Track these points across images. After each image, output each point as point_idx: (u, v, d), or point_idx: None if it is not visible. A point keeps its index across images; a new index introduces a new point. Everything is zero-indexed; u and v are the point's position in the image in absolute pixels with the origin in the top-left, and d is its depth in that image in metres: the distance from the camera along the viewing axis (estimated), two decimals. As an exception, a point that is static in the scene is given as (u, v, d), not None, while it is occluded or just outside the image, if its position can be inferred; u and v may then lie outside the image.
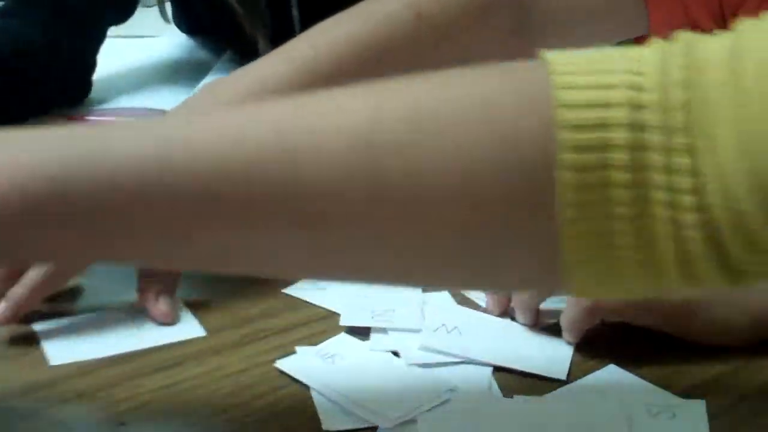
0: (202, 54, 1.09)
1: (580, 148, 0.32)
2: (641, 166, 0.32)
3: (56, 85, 0.87)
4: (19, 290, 0.52)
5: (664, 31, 0.85)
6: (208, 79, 0.95)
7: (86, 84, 0.93)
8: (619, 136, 0.32)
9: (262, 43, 0.93)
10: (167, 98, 0.92)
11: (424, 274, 0.38)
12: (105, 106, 0.92)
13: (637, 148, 0.32)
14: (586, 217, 0.33)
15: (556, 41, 0.74)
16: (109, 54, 0.96)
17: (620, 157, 0.32)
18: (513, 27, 0.71)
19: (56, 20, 0.86)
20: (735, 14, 0.76)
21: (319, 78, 0.58)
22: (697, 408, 0.44)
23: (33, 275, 0.53)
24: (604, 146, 0.32)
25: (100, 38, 0.94)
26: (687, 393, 0.45)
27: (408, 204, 0.34)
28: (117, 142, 0.35)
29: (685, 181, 0.32)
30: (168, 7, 1.05)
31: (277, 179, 0.34)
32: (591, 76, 0.33)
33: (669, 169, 0.32)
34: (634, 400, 0.45)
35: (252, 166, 0.34)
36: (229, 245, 0.36)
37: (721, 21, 0.79)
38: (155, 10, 1.03)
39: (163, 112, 0.89)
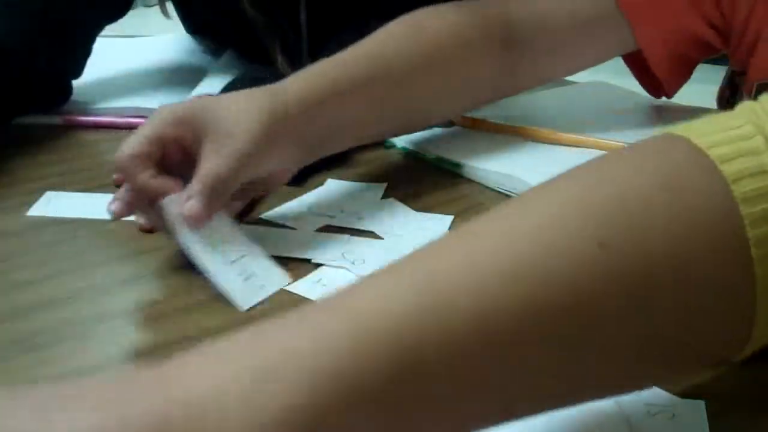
0: (202, 54, 1.09)
1: (763, 220, 0.34)
2: None
3: (29, 87, 0.85)
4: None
5: (658, 42, 0.86)
6: (208, 79, 0.95)
7: (66, 88, 0.92)
8: None
9: (274, 52, 0.93)
10: (167, 98, 0.92)
11: (650, 373, 0.38)
12: (103, 105, 0.92)
13: None
14: None
15: (546, 58, 0.78)
16: (108, 54, 0.96)
17: None
18: (504, 44, 0.76)
19: (32, 21, 0.85)
20: (732, 13, 0.76)
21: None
22: (697, 408, 0.44)
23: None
24: None
25: (84, 41, 0.92)
26: (687, 393, 0.45)
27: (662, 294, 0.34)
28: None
29: None
30: (169, 6, 1.05)
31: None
32: (736, 144, 0.35)
33: None
34: (633, 400, 0.45)
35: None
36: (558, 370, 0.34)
37: (721, 22, 0.79)
38: (155, 10, 1.03)
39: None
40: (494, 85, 0.78)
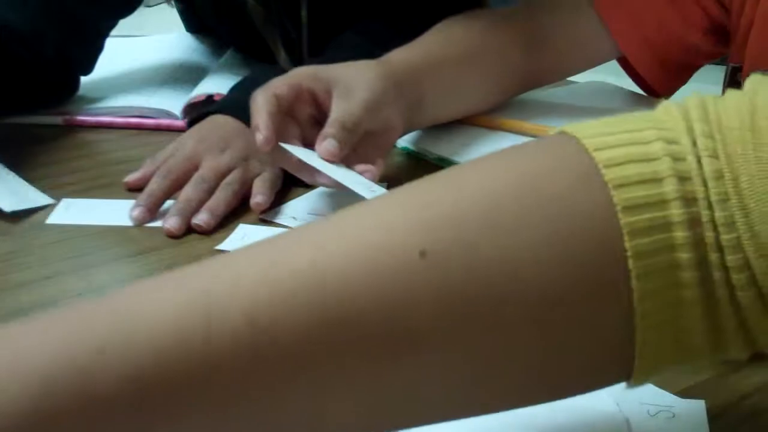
0: (202, 53, 1.09)
1: (644, 230, 0.31)
2: (699, 242, 0.31)
3: (37, 75, 0.86)
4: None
5: (641, 47, 0.89)
6: (209, 79, 0.95)
7: (71, 81, 0.92)
8: (677, 211, 0.31)
9: (276, 49, 0.93)
10: (167, 98, 0.92)
11: (503, 390, 0.34)
12: (103, 105, 0.92)
13: (693, 223, 0.31)
14: (660, 305, 0.31)
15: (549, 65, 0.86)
16: (109, 53, 0.96)
17: (681, 235, 0.31)
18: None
19: (42, 10, 0.85)
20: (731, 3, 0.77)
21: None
22: (697, 408, 0.44)
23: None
24: (667, 224, 0.31)
25: (93, 35, 0.93)
26: (687, 393, 0.45)
27: (481, 313, 0.31)
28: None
29: (732, 259, 0.31)
30: (168, 8, 1.05)
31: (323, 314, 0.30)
32: (629, 147, 0.32)
33: (719, 246, 0.31)
34: (633, 401, 0.45)
35: (290, 312, 0.30)
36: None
37: (718, 13, 0.79)
38: (155, 9, 1.04)
39: (161, 112, 0.90)
40: (521, 79, 0.86)
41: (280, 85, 0.67)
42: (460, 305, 0.30)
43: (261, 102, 0.65)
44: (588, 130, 0.33)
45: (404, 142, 0.82)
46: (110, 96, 0.94)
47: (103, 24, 0.94)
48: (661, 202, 0.31)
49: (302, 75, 0.69)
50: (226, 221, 0.67)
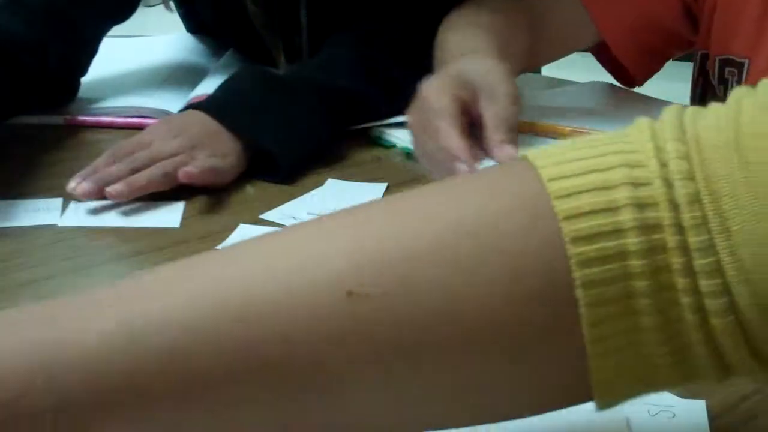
0: (202, 54, 1.09)
1: (594, 261, 0.30)
2: (660, 269, 0.30)
3: (40, 83, 0.86)
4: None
5: (620, 30, 0.94)
6: (209, 79, 0.95)
7: (73, 85, 0.92)
8: (632, 240, 0.30)
9: (277, 52, 0.93)
10: (167, 98, 0.92)
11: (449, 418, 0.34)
12: (103, 105, 0.92)
13: (652, 251, 0.30)
14: (613, 332, 0.30)
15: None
16: (108, 54, 0.96)
17: (637, 263, 0.30)
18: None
19: (44, 19, 0.85)
20: None
21: None
22: (697, 408, 0.44)
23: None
24: (620, 254, 0.30)
25: (92, 40, 0.93)
26: (687, 392, 0.45)
27: (420, 351, 0.30)
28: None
29: (708, 284, 0.30)
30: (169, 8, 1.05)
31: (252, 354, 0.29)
32: (587, 176, 0.31)
33: (690, 271, 0.30)
34: (633, 400, 0.44)
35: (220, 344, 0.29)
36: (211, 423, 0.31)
37: (683, 9, 0.81)
38: (155, 10, 1.03)
39: (161, 112, 0.90)
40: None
41: (447, 102, 0.68)
42: (390, 345, 0.30)
43: (447, 128, 0.66)
44: (549, 158, 0.32)
45: (404, 142, 0.82)
46: (110, 96, 0.94)
47: (100, 29, 0.94)
48: (615, 232, 0.30)
49: (451, 85, 0.70)
50: (226, 221, 0.67)
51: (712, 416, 0.43)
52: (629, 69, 0.87)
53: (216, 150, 0.74)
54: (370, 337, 0.30)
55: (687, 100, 0.91)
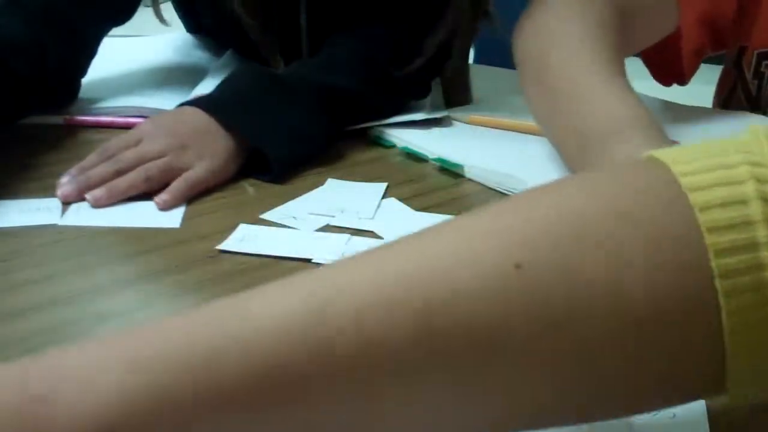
0: (202, 54, 1.09)
1: (731, 251, 0.32)
2: None
3: (40, 86, 0.85)
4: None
5: (695, 26, 0.88)
6: (208, 79, 0.95)
7: (73, 88, 0.92)
8: (762, 233, 0.32)
9: (274, 60, 0.93)
10: (167, 98, 0.92)
11: (589, 405, 0.35)
12: (103, 105, 0.92)
13: None
14: (749, 323, 0.32)
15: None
16: (108, 54, 0.96)
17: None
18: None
19: (44, 21, 0.85)
20: None
21: None
22: (697, 408, 0.44)
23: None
24: (753, 245, 0.32)
25: (92, 42, 0.92)
26: (687, 393, 0.45)
27: (569, 328, 0.32)
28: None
29: None
30: (168, 7, 1.05)
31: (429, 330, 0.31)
32: (716, 172, 0.33)
33: None
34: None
35: (389, 329, 0.31)
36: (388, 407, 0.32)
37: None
38: (155, 9, 1.03)
39: (162, 112, 0.89)
40: None
41: None
42: (550, 319, 0.32)
43: None
44: (675, 156, 0.34)
45: (404, 142, 0.82)
46: (110, 96, 0.94)
47: (100, 31, 0.94)
48: (746, 224, 0.32)
49: None
50: (226, 221, 0.67)
51: (712, 416, 0.43)
52: (685, 65, 0.84)
53: (205, 150, 0.74)
54: (536, 308, 0.31)
55: (705, 102, 0.91)
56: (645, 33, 0.81)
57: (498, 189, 0.73)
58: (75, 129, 0.89)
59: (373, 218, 0.67)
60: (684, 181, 0.33)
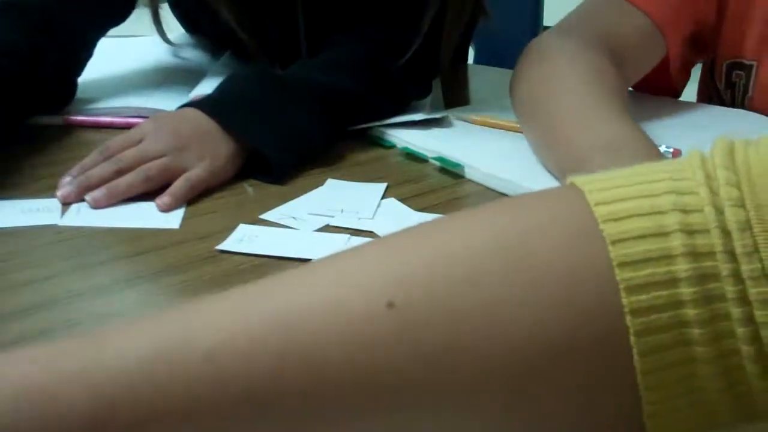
0: (201, 54, 1.09)
1: (644, 287, 0.29)
2: (713, 297, 0.29)
3: (37, 88, 0.85)
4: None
5: (679, 47, 0.90)
6: (208, 79, 0.95)
7: (70, 89, 0.92)
8: (682, 267, 0.29)
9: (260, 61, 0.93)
10: (165, 98, 0.92)
11: None
12: (102, 105, 0.92)
13: (704, 278, 0.29)
14: (665, 363, 0.30)
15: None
16: (107, 54, 0.96)
17: (689, 291, 0.29)
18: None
19: (41, 22, 0.85)
20: None
21: None
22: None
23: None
24: (672, 281, 0.29)
25: (88, 44, 0.93)
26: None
27: (450, 368, 0.30)
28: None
29: (763, 314, 0.29)
30: (165, 12, 1.05)
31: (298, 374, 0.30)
32: (636, 200, 0.30)
33: (745, 301, 0.29)
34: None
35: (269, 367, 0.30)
36: None
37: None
38: (155, 10, 1.03)
39: (161, 112, 0.90)
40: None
41: None
42: (426, 357, 0.30)
43: None
44: (596, 183, 0.32)
45: (404, 142, 0.82)
46: (110, 96, 0.94)
47: (97, 33, 0.94)
48: (665, 257, 0.29)
49: None
50: (226, 221, 0.67)
51: (712, 416, 0.43)
52: (675, 82, 0.87)
53: (205, 151, 0.74)
54: (411, 349, 0.30)
55: (692, 99, 0.92)
56: (636, 68, 0.83)
57: (498, 190, 0.73)
58: (74, 129, 0.89)
59: (372, 218, 0.67)
60: (599, 211, 0.30)
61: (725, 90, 0.86)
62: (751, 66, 0.82)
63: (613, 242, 0.30)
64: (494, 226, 0.32)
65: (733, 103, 0.86)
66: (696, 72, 0.93)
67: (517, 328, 0.30)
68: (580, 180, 0.32)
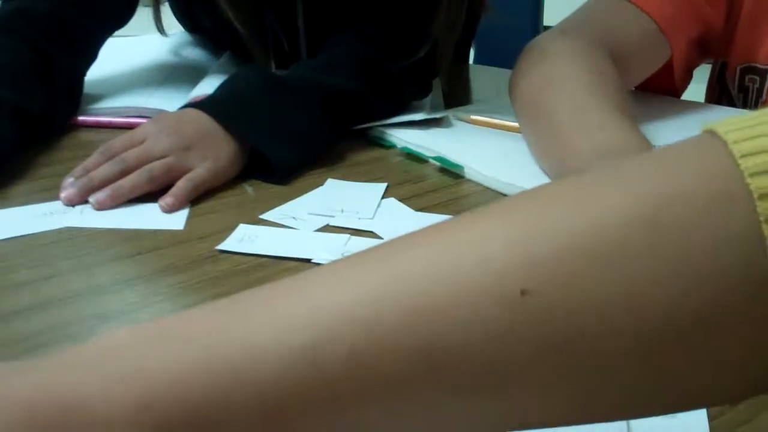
0: (202, 54, 1.09)
1: None
2: None
3: (47, 96, 0.85)
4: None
5: (684, 49, 0.90)
6: (208, 79, 0.95)
7: (78, 94, 0.92)
8: None
9: (261, 61, 0.93)
10: (167, 98, 0.92)
11: (598, 415, 0.32)
12: (102, 105, 0.92)
13: None
14: None
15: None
16: (108, 54, 0.96)
17: None
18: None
19: (48, 29, 0.86)
20: None
21: None
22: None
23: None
24: None
25: (94, 48, 0.93)
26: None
27: (587, 351, 0.29)
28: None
29: None
30: (165, 12, 1.05)
31: (414, 348, 0.29)
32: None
33: None
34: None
35: (383, 341, 0.29)
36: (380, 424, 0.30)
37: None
38: (155, 9, 1.03)
39: (161, 112, 0.90)
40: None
41: None
42: (563, 344, 0.29)
43: None
44: (739, 132, 0.29)
45: (404, 142, 0.82)
46: (110, 96, 0.94)
47: (101, 37, 0.95)
48: None
49: None
50: (226, 221, 0.67)
51: (712, 416, 0.44)
52: (678, 84, 0.87)
53: (208, 151, 0.74)
54: (546, 334, 0.29)
55: (700, 99, 0.92)
56: (639, 69, 0.83)
57: (498, 190, 0.73)
58: (75, 129, 0.89)
59: (372, 218, 0.67)
60: (745, 164, 0.28)
61: (738, 94, 0.86)
62: (765, 71, 0.82)
63: (761, 197, 0.27)
64: (630, 196, 0.29)
65: (745, 108, 0.86)
66: (698, 73, 0.93)
67: (664, 304, 0.28)
68: (720, 128, 0.29)
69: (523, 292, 0.28)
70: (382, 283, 0.30)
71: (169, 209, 0.70)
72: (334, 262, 0.32)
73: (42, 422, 0.27)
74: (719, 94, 0.90)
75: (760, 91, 0.83)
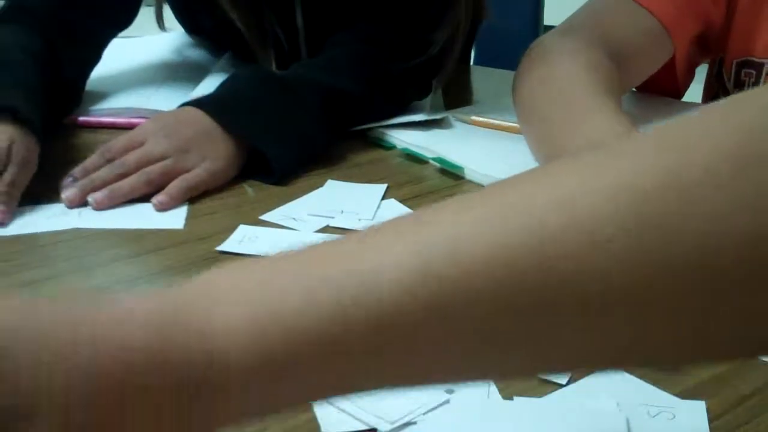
0: (202, 54, 1.09)
1: None
2: None
3: (51, 97, 0.84)
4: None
5: (685, 48, 0.90)
6: (209, 79, 0.95)
7: (79, 95, 0.92)
8: None
9: (263, 61, 0.93)
10: (167, 98, 0.92)
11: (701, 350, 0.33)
12: (104, 106, 0.92)
13: None
14: None
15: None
16: (108, 54, 0.96)
17: None
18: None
19: (51, 32, 0.86)
20: None
21: None
22: (697, 408, 0.44)
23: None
24: None
25: (98, 50, 0.94)
26: (687, 393, 0.45)
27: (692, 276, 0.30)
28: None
29: None
30: (165, 13, 1.05)
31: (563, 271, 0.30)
32: None
33: None
34: (633, 401, 0.45)
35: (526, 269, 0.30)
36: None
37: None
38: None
39: (161, 112, 0.90)
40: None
41: None
42: (684, 268, 0.30)
43: None
44: None
45: (404, 143, 0.82)
46: (111, 96, 0.94)
47: (105, 39, 0.95)
48: None
49: None
50: (226, 222, 0.67)
51: (712, 416, 0.44)
52: (680, 83, 0.87)
53: (207, 152, 0.74)
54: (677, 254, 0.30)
55: (698, 99, 0.92)
56: (641, 68, 0.83)
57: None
58: (75, 129, 0.89)
59: (372, 219, 0.67)
60: None
61: (734, 89, 0.86)
62: (761, 64, 0.82)
63: None
64: (718, 129, 0.31)
65: None
66: (700, 72, 0.93)
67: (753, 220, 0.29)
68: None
69: (609, 241, 0.30)
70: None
71: (162, 207, 0.70)
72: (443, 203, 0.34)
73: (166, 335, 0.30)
74: (716, 92, 0.90)
75: (755, 85, 0.84)
